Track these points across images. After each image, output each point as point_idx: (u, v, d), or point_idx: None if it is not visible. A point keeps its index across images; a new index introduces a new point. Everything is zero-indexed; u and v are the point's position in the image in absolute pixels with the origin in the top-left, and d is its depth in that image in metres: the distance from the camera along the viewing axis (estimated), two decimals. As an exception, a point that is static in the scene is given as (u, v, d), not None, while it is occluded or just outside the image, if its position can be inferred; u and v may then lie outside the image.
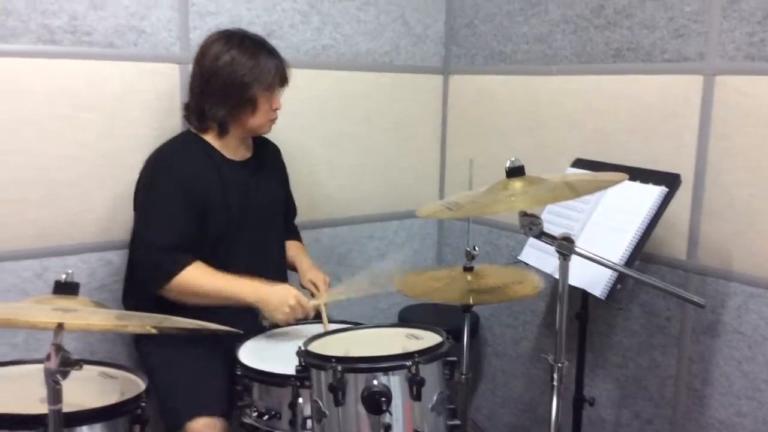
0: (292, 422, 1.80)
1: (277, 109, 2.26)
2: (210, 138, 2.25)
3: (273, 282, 2.13)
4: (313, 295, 2.28)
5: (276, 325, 2.14)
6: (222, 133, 2.24)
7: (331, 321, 2.19)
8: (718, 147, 2.21)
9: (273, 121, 2.28)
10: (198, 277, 2.09)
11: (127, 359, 2.43)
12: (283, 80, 2.24)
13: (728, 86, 2.17)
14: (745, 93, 2.13)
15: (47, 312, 1.44)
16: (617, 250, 2.11)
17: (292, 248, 2.51)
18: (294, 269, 2.47)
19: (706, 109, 2.22)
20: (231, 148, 2.27)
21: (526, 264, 2.40)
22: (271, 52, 2.22)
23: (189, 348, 2.08)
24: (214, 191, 2.20)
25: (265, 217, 2.34)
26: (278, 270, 2.41)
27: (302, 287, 2.36)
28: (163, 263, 2.08)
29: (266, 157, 2.42)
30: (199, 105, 2.22)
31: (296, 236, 2.59)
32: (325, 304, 2.20)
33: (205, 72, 2.18)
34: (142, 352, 2.27)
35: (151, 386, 1.73)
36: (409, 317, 2.87)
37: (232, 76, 2.15)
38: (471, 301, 2.06)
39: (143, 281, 2.15)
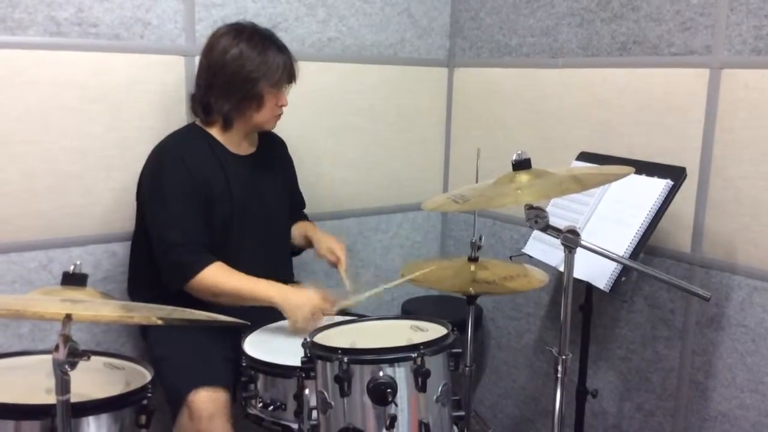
0: (298, 413, 1.80)
1: (283, 105, 2.25)
2: (214, 131, 2.25)
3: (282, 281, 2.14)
4: (335, 265, 2.32)
5: None
6: (226, 127, 2.24)
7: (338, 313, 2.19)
8: (723, 140, 2.21)
9: (278, 117, 2.28)
10: (219, 276, 2.08)
11: (132, 350, 2.45)
12: (290, 77, 2.23)
13: (735, 80, 2.17)
14: (752, 87, 2.12)
15: (56, 303, 1.45)
16: (622, 243, 2.11)
17: (301, 225, 2.51)
18: (309, 244, 2.47)
19: (712, 102, 2.22)
20: (235, 142, 2.27)
21: (530, 257, 2.41)
22: (281, 48, 2.21)
23: (195, 334, 2.09)
24: (216, 182, 2.19)
25: (270, 211, 2.34)
26: (284, 262, 2.43)
27: (320, 256, 2.39)
28: (184, 262, 2.08)
29: (271, 151, 2.42)
30: (205, 98, 2.21)
31: (303, 219, 2.59)
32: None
33: (213, 65, 2.17)
34: (148, 341, 2.28)
35: (157, 374, 1.74)
36: (412, 309, 2.88)
37: (240, 70, 2.14)
38: (473, 291, 2.06)
39: (164, 280, 2.13)
